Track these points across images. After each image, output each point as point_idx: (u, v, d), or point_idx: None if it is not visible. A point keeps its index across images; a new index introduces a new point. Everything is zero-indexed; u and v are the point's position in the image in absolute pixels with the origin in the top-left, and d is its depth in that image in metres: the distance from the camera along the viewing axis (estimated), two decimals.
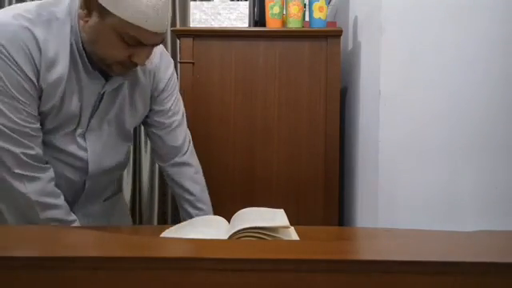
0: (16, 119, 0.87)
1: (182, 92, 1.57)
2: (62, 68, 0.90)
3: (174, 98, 1.14)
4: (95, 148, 1.01)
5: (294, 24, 1.56)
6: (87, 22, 0.88)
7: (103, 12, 0.84)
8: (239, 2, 1.61)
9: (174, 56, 2.17)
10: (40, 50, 0.87)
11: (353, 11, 1.68)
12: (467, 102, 1.16)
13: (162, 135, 1.14)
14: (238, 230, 0.74)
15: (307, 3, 1.60)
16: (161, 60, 1.09)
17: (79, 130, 0.98)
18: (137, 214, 2.16)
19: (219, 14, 1.60)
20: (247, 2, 1.62)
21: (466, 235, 0.76)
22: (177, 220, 1.16)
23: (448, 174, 1.17)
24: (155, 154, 1.19)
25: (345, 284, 0.57)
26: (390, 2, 1.20)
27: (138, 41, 0.87)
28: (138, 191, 2.15)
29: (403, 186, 1.19)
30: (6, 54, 0.84)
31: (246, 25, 1.60)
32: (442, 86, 1.17)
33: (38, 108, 0.91)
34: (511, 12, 1.13)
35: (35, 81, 0.88)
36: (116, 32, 0.85)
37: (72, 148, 0.98)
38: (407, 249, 0.65)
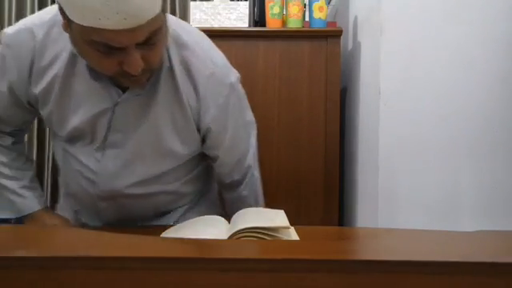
0: None
1: None
2: (54, 73, 0.82)
3: (228, 134, 0.90)
4: (109, 167, 0.88)
5: (294, 24, 1.56)
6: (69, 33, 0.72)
7: (69, 20, 0.68)
8: (239, 2, 1.61)
9: None
10: (34, 54, 0.81)
11: (353, 11, 1.68)
12: (467, 101, 1.16)
13: (215, 168, 0.98)
14: (238, 230, 0.74)
15: (307, 3, 1.60)
16: (208, 83, 0.84)
17: (96, 144, 0.87)
18: None
19: (219, 14, 1.60)
20: (247, 2, 1.62)
21: (465, 235, 0.76)
22: None
23: (448, 174, 1.17)
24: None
25: (345, 284, 0.56)
26: (390, 2, 1.20)
27: (108, 46, 0.67)
28: None
29: (403, 186, 1.19)
30: (0, 57, 0.83)
31: (246, 25, 1.61)
32: (441, 86, 1.17)
33: (35, 106, 0.88)
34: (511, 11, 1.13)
35: (17, 86, 0.84)
36: (84, 41, 0.68)
37: (89, 161, 0.88)
38: (407, 249, 0.65)
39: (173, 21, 0.83)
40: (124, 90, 0.82)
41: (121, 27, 0.63)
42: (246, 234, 0.73)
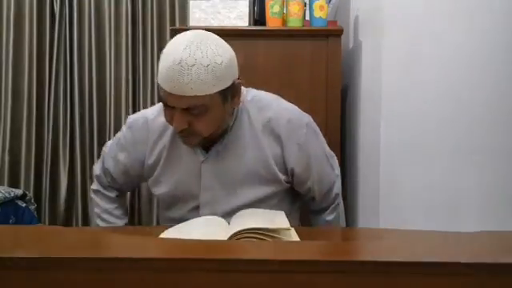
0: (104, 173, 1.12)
1: None
2: (163, 144, 1.01)
3: (313, 168, 1.02)
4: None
5: (294, 23, 1.56)
6: None
7: None
8: (239, 1, 1.60)
9: None
10: (147, 130, 1.01)
11: (353, 10, 1.68)
12: (468, 101, 1.15)
13: (306, 200, 1.11)
14: (238, 231, 0.73)
15: (307, 2, 1.59)
16: (288, 128, 0.99)
17: (190, 205, 1.01)
18: (136, 214, 2.16)
19: (219, 12, 1.59)
20: (247, 1, 1.61)
21: (467, 236, 0.76)
22: None
23: (449, 175, 1.16)
24: None
25: (345, 285, 0.56)
26: (391, 2, 1.19)
27: (164, 101, 0.88)
28: (138, 191, 2.15)
29: (404, 187, 1.19)
30: (122, 136, 1.07)
31: (246, 24, 1.60)
32: (443, 86, 1.17)
33: (145, 178, 1.06)
34: None
35: (131, 163, 1.05)
36: (159, 94, 0.89)
37: (193, 217, 0.99)
38: (408, 249, 0.65)
39: (251, 93, 1.04)
40: (208, 149, 0.99)
41: (169, 91, 0.84)
42: (246, 234, 0.73)
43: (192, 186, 1.00)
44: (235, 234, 0.73)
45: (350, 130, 1.65)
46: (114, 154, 1.08)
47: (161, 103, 0.98)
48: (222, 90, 0.86)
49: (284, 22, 1.59)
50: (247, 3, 1.60)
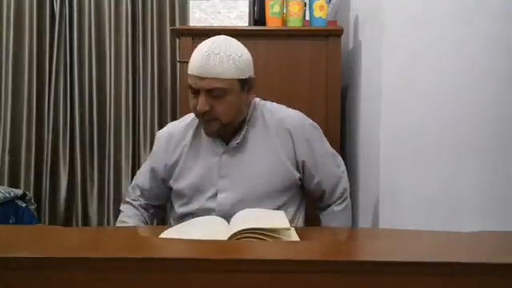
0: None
1: (181, 92, 1.56)
2: (185, 142, 1.13)
3: (319, 162, 1.14)
4: (224, 207, 1.07)
5: (294, 23, 1.56)
6: None
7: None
8: (239, 1, 1.60)
9: (173, 55, 2.16)
10: (170, 137, 1.15)
11: (353, 10, 1.68)
12: (468, 101, 1.15)
13: (318, 197, 1.20)
14: (239, 231, 0.74)
15: (307, 2, 1.59)
16: (296, 128, 1.12)
17: (210, 193, 1.09)
18: None
19: (219, 12, 1.59)
20: (247, 1, 1.61)
21: (466, 236, 0.76)
22: None
23: (449, 174, 1.16)
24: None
25: (345, 284, 0.56)
26: (391, 2, 1.19)
27: (192, 88, 1.01)
28: None
29: (404, 186, 1.19)
30: (153, 149, 1.21)
31: (246, 24, 1.60)
32: (443, 86, 1.17)
33: (168, 180, 1.15)
34: None
35: (158, 167, 1.16)
36: (188, 85, 1.03)
37: (211, 205, 1.09)
38: (407, 249, 0.65)
39: (264, 103, 1.17)
40: (227, 143, 1.10)
41: (196, 75, 1.00)
42: (246, 234, 0.73)
43: (212, 175, 1.09)
44: (235, 234, 0.74)
45: (350, 130, 1.65)
46: (145, 168, 1.21)
47: (183, 117, 1.18)
48: (240, 79, 1.02)
49: (284, 21, 1.59)
50: (247, 3, 1.60)
